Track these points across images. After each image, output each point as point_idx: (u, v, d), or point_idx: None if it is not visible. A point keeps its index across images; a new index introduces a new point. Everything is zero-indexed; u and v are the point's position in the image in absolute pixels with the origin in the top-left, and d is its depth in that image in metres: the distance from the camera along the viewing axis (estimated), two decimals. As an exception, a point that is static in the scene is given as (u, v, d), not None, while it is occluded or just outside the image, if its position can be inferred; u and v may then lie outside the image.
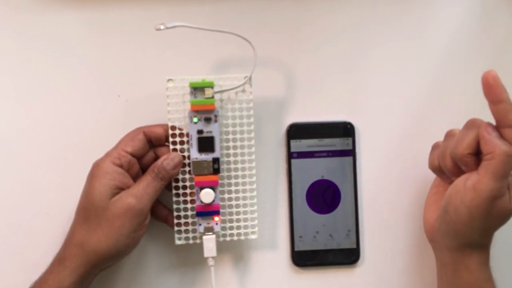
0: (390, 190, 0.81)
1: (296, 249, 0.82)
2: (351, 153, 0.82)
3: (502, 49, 0.84)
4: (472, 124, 0.69)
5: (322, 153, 0.82)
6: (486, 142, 0.66)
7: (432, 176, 0.79)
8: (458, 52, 0.84)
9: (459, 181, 0.68)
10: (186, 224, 0.77)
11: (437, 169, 0.74)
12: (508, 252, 0.84)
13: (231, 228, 0.78)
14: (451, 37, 0.84)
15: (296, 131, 0.82)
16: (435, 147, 0.76)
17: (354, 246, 0.82)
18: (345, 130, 0.82)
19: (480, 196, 0.66)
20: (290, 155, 0.81)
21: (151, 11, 0.81)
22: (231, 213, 0.78)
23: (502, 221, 0.68)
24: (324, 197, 0.82)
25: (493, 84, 0.65)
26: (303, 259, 0.82)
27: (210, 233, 0.76)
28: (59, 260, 0.71)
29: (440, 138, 0.82)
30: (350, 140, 0.82)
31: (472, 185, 0.66)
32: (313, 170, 0.82)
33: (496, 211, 0.66)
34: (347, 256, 0.82)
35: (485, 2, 0.84)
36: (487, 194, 0.66)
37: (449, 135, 0.73)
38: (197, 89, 0.73)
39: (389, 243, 0.81)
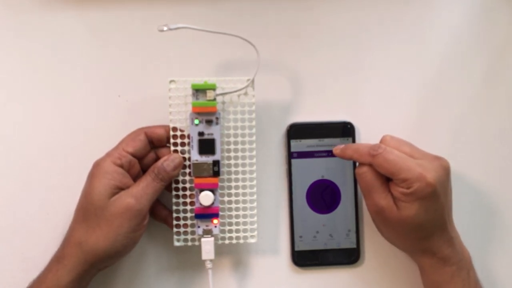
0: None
1: (296, 249, 0.82)
2: (351, 153, 0.82)
3: (502, 49, 0.84)
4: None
5: (322, 153, 0.82)
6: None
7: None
8: (458, 52, 0.84)
9: None
10: (185, 225, 0.77)
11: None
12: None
13: (230, 231, 0.78)
14: (451, 37, 0.84)
15: (296, 131, 0.81)
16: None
17: (354, 246, 0.82)
18: (345, 130, 0.82)
19: (371, 212, 0.77)
20: (290, 155, 0.81)
21: (152, 11, 0.81)
22: (230, 216, 0.78)
23: (403, 227, 0.74)
24: (324, 197, 0.82)
25: (339, 154, 0.79)
26: (303, 259, 0.82)
27: (209, 235, 0.76)
28: (58, 258, 0.72)
29: (440, 137, 0.83)
30: (350, 140, 0.82)
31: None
32: (313, 170, 0.82)
33: (390, 220, 0.74)
34: (347, 256, 0.82)
35: (485, 2, 0.84)
36: (372, 209, 0.76)
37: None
38: (199, 91, 0.73)
39: (389, 243, 0.81)
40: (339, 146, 0.79)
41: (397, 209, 0.73)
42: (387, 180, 0.75)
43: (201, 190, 0.75)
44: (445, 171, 0.74)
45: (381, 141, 0.77)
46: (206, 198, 0.74)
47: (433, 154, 0.76)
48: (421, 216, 0.72)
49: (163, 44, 0.80)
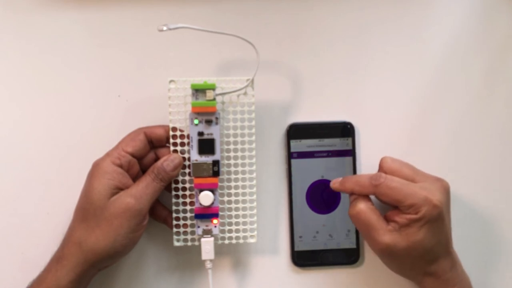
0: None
1: (296, 249, 0.82)
2: (351, 153, 0.82)
3: (502, 49, 0.84)
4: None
5: (322, 153, 0.82)
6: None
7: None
8: (458, 52, 0.84)
9: None
10: (185, 226, 0.77)
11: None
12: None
13: (230, 231, 0.78)
14: (451, 37, 0.84)
15: (296, 131, 0.81)
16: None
17: (354, 246, 0.82)
18: (345, 130, 0.82)
19: (376, 251, 0.76)
20: (290, 155, 0.81)
21: (152, 11, 0.81)
22: (230, 216, 0.78)
23: (411, 255, 0.73)
24: (324, 197, 0.82)
25: (338, 188, 0.78)
26: (303, 259, 0.82)
27: (209, 235, 0.76)
28: (57, 258, 0.71)
29: (440, 138, 0.83)
30: (350, 140, 0.82)
31: None
32: (313, 170, 0.82)
33: (398, 254, 0.73)
34: (347, 256, 0.82)
35: (485, 2, 0.84)
36: (376, 248, 0.75)
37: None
38: (198, 91, 0.73)
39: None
40: (337, 179, 0.78)
41: (403, 239, 0.72)
42: (381, 213, 0.75)
43: (201, 190, 0.75)
44: (447, 192, 0.74)
45: (380, 162, 0.77)
46: (206, 198, 0.74)
47: (433, 175, 0.76)
48: (429, 240, 0.72)
49: (163, 44, 0.80)
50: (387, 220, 0.74)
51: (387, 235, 0.73)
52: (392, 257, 0.75)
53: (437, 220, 0.72)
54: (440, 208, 0.71)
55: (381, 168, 0.77)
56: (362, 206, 0.75)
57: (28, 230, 0.80)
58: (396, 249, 0.73)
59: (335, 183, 0.78)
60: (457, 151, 0.83)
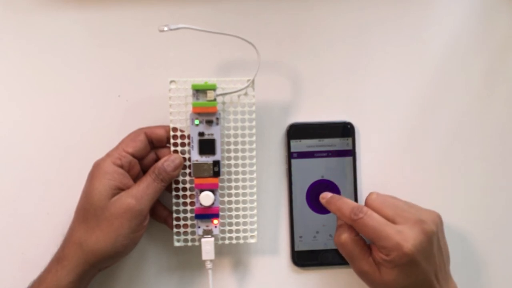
0: (390, 190, 0.81)
1: (296, 249, 0.82)
2: (351, 153, 0.82)
3: (502, 49, 0.84)
4: None
5: (322, 153, 0.82)
6: None
7: (432, 177, 0.83)
8: (458, 52, 0.84)
9: None
10: (185, 226, 0.77)
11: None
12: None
13: (230, 231, 0.78)
14: (451, 37, 0.84)
15: (296, 131, 0.81)
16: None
17: (354, 246, 0.82)
18: (345, 130, 0.82)
19: (357, 273, 0.76)
20: (290, 155, 0.81)
21: (152, 11, 0.81)
22: (230, 217, 0.78)
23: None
24: (324, 197, 0.82)
25: (324, 204, 0.79)
26: (303, 259, 0.82)
27: (209, 236, 0.76)
28: (58, 259, 0.71)
29: (439, 137, 0.83)
30: (350, 140, 0.82)
31: None
32: (313, 170, 0.82)
33: (375, 282, 0.74)
34: (347, 256, 0.82)
35: (485, 2, 0.84)
36: (356, 271, 0.76)
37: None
38: (199, 91, 0.73)
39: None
40: (326, 194, 0.79)
41: (380, 273, 0.73)
42: (367, 243, 0.76)
43: (201, 191, 0.75)
44: (427, 236, 0.72)
45: (366, 199, 0.77)
46: (206, 198, 0.74)
47: (417, 216, 0.74)
48: (402, 280, 0.72)
49: (164, 44, 0.80)
50: (370, 249, 0.75)
51: (367, 265, 0.74)
52: (372, 284, 0.75)
53: (408, 266, 0.71)
54: (411, 256, 0.70)
55: (366, 203, 0.77)
56: (345, 237, 0.75)
57: (28, 230, 0.80)
58: (373, 278, 0.74)
59: (323, 198, 0.79)
60: (457, 151, 0.83)
